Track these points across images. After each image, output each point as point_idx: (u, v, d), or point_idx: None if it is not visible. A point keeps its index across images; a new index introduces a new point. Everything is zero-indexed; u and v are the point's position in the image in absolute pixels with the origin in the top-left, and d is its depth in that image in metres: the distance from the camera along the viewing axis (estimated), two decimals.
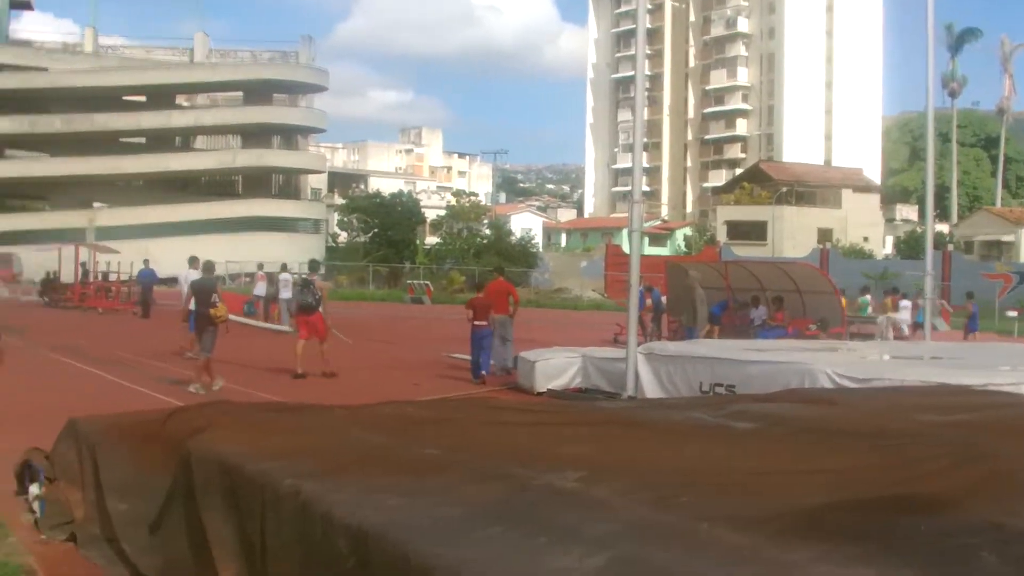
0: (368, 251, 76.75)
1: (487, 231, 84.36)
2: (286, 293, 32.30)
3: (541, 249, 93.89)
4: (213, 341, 17.67)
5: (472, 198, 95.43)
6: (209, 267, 18.93)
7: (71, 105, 75.41)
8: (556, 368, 18.38)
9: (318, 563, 4.91)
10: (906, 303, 32.51)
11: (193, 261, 23.70)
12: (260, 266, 39.44)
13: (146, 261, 41.66)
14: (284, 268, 35.08)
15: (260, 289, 36.96)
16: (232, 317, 24.05)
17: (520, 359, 19.24)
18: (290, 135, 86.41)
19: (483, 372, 20.18)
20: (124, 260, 48.29)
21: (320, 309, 20.24)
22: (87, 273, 47.29)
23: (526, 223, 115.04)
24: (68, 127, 75.65)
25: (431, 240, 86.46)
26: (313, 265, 20.01)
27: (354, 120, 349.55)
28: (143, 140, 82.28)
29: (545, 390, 17.84)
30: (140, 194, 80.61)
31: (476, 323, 20.36)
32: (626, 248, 20.79)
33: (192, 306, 18.45)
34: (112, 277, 47.65)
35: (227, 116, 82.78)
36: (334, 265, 74.73)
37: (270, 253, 54.59)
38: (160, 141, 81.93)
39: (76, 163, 74.74)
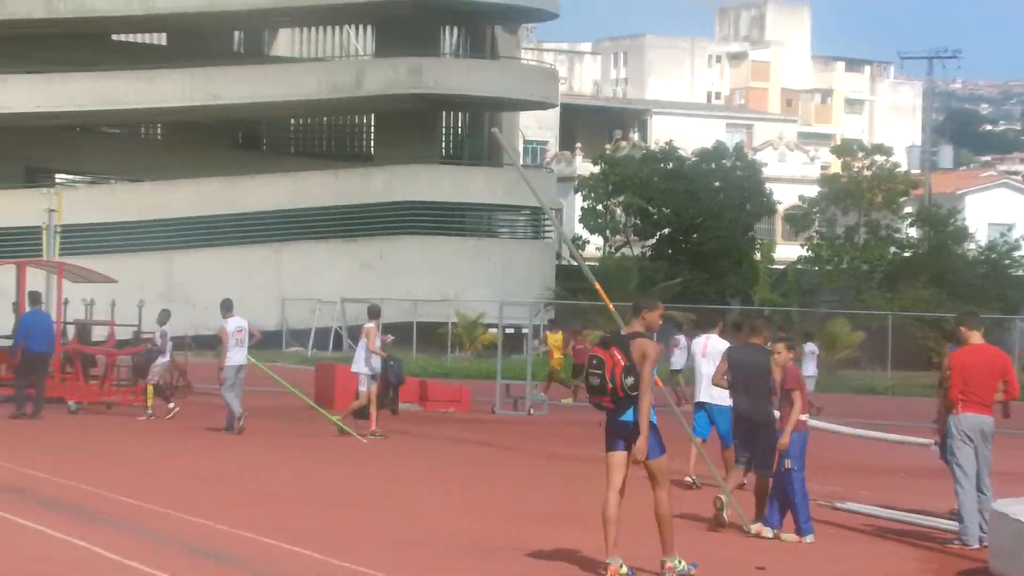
0: (650, 275, 54.62)
1: (911, 229, 61.12)
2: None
3: None
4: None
5: (879, 157, 65.83)
6: None
7: None
8: None
9: None
10: None
11: None
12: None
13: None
14: None
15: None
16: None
17: (997, 517, 12.76)
18: (479, 28, 60.64)
19: (774, 527, 14.23)
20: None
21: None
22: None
23: (1003, 208, 79.49)
24: None
25: (787, 250, 64.54)
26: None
27: None
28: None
29: None
30: (119, 155, 60.06)
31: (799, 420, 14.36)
32: None
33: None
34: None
35: None
36: (565, 306, 49.65)
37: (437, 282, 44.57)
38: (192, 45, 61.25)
39: None
